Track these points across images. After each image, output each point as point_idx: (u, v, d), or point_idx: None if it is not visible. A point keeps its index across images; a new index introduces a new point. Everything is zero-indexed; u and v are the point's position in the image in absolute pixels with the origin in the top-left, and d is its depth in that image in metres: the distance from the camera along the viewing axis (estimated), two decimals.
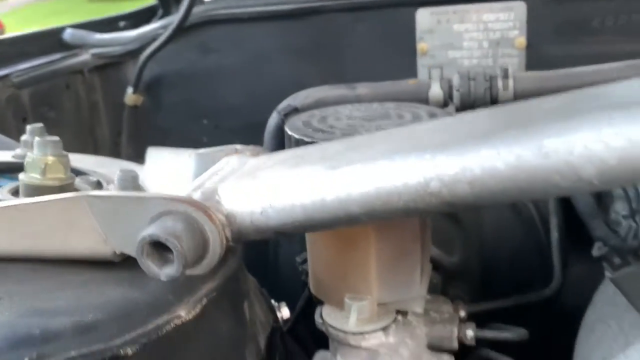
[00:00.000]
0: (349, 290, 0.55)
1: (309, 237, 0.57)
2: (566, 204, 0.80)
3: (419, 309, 0.58)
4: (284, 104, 0.80)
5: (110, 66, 1.17)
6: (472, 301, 0.67)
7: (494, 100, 0.77)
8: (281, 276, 0.79)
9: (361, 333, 0.52)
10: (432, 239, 0.66)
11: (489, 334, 0.63)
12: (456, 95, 0.77)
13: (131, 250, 0.40)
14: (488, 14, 1.00)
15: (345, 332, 0.53)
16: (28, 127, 0.62)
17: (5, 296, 0.39)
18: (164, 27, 1.12)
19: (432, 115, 0.60)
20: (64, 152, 0.52)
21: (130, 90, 1.16)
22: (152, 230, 0.37)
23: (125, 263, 0.43)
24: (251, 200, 0.39)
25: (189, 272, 0.39)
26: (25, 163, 0.51)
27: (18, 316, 0.37)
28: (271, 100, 1.13)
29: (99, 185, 0.56)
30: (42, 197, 0.40)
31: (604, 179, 0.31)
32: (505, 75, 0.75)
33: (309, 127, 0.59)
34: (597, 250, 0.54)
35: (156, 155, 0.64)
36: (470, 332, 0.60)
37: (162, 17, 1.35)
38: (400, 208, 0.35)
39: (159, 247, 0.38)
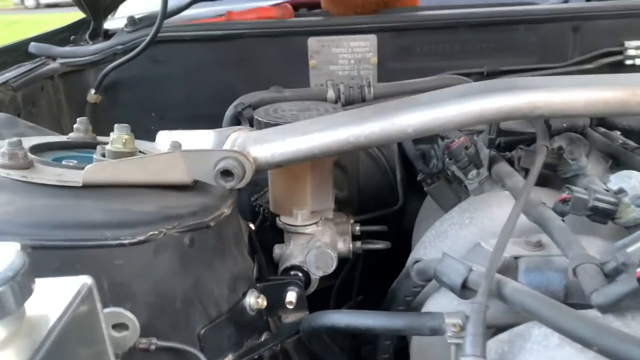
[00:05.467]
0: (295, 205, 1.00)
1: (271, 176, 1.00)
2: (405, 161, 1.31)
3: (330, 215, 1.05)
4: (237, 102, 1.21)
5: (73, 73, 1.47)
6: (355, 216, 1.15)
7: (363, 99, 1.27)
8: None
9: (304, 225, 0.97)
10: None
11: (369, 245, 1.11)
12: (342, 97, 1.26)
13: (203, 177, 0.81)
14: (353, 42, 1.50)
15: (295, 225, 0.98)
16: (78, 119, 0.97)
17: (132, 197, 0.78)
18: (121, 44, 1.46)
19: (335, 110, 1.08)
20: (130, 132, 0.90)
21: (92, 91, 1.47)
22: (223, 164, 0.78)
23: (193, 187, 0.83)
24: (265, 150, 0.82)
25: (235, 186, 0.81)
26: (111, 139, 0.88)
27: (151, 206, 0.76)
28: (205, 99, 1.53)
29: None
30: (158, 153, 0.79)
31: (416, 133, 0.79)
32: (369, 85, 1.25)
33: (269, 116, 1.02)
34: (419, 177, 1.04)
35: (167, 135, 1.02)
36: (357, 244, 1.07)
37: (92, 28, 1.65)
38: (337, 149, 0.80)
39: (223, 174, 0.79)
